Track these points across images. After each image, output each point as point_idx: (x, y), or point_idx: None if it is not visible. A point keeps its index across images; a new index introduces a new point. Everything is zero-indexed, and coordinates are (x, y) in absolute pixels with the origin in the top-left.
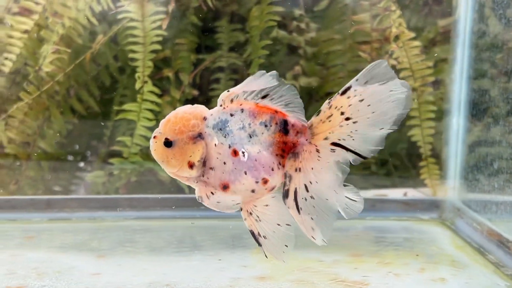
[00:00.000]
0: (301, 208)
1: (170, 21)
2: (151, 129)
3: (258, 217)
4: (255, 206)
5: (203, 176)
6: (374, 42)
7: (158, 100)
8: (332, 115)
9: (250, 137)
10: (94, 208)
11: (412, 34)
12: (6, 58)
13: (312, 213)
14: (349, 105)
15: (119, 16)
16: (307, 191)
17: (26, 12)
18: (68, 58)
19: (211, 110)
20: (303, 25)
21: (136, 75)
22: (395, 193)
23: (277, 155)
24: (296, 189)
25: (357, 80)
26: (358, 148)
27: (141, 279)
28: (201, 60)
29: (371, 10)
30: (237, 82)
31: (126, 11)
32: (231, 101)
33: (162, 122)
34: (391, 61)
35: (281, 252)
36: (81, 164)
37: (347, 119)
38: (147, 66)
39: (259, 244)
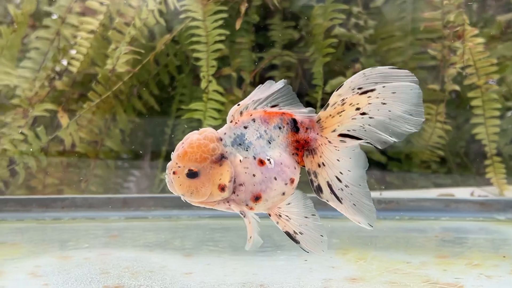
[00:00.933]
0: (341, 198)
1: (227, 19)
2: (217, 128)
3: (287, 216)
4: (279, 208)
5: (233, 193)
6: (444, 39)
7: (223, 99)
8: (344, 110)
9: (269, 143)
10: (170, 206)
11: (476, 31)
12: (73, 58)
13: (353, 200)
14: (369, 103)
15: (181, 16)
16: (340, 181)
17: (90, 12)
18: (132, 58)
19: (221, 130)
20: (361, 22)
21: (201, 74)
22: (461, 192)
23: (293, 154)
24: (328, 182)
25: (384, 87)
26: (369, 139)
27: (233, 279)
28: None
29: (442, 8)
30: (292, 80)
31: (188, 11)
32: (241, 113)
33: (177, 155)
34: (454, 58)
35: (319, 243)
36: (146, 163)
37: (363, 114)
38: (211, 66)
39: (297, 242)
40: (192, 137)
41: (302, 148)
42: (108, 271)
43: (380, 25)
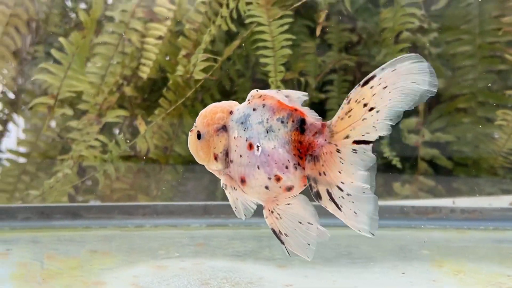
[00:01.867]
0: (341, 206)
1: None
2: None
3: (278, 215)
4: (277, 204)
5: (227, 168)
6: None
7: None
8: (351, 109)
9: (267, 132)
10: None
11: None
12: (143, 64)
13: (354, 208)
14: (373, 95)
15: (247, 21)
16: (342, 190)
17: (150, 16)
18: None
19: (239, 105)
20: (425, 25)
21: (269, 80)
22: None
23: (294, 155)
24: (328, 190)
25: (383, 69)
26: (380, 134)
27: None
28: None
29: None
30: (350, 84)
31: (253, 16)
32: (260, 97)
33: (197, 116)
34: None
35: (304, 249)
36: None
37: (371, 109)
38: (279, 71)
39: (282, 242)
40: (214, 103)
41: (306, 151)
42: (207, 282)
43: (444, 28)
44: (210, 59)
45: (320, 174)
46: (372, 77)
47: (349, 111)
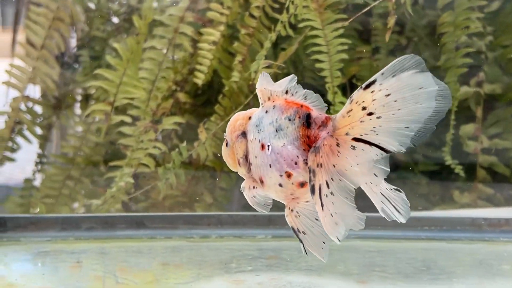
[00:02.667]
0: (323, 204)
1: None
2: None
3: (297, 213)
4: (298, 203)
5: (250, 172)
6: None
7: None
8: (352, 110)
9: (277, 131)
10: None
11: None
12: (198, 71)
13: (332, 209)
14: (373, 100)
15: (300, 25)
16: (328, 187)
17: (207, 22)
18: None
19: (257, 110)
20: (481, 28)
21: (326, 85)
22: None
23: (304, 150)
24: (320, 185)
25: (382, 74)
26: (383, 143)
27: None
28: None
29: None
30: None
31: (307, 20)
32: (268, 98)
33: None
34: None
35: (320, 249)
36: None
37: (370, 114)
38: (335, 76)
39: (300, 241)
40: (237, 113)
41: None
42: None
43: (499, 32)
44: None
45: (317, 166)
46: (373, 82)
47: (349, 111)
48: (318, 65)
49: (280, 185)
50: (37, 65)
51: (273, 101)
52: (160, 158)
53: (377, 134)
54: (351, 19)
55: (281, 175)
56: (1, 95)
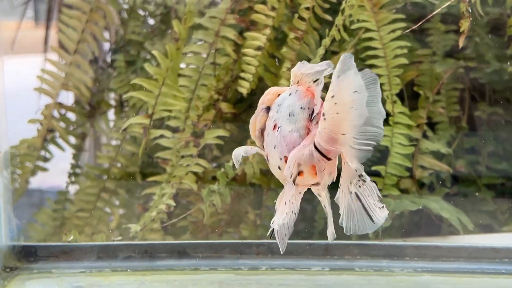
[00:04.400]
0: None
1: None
2: (407, 157)
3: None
4: (300, 193)
5: (262, 147)
6: None
7: (410, 122)
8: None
9: (289, 115)
10: (378, 256)
11: None
12: (243, 79)
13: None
14: (325, 101)
15: (353, 27)
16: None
17: (251, 25)
18: None
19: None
20: None
21: (384, 94)
22: None
23: None
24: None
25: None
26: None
27: None
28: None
29: None
30: (460, 92)
31: (361, 21)
32: (297, 82)
33: None
34: None
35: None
36: None
37: (323, 114)
38: (394, 84)
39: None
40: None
41: None
42: None
43: None
44: None
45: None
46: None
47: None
48: (374, 70)
49: (279, 167)
50: (70, 70)
51: (298, 86)
52: (201, 173)
53: (320, 137)
54: (420, 23)
55: (280, 159)
56: (33, 101)
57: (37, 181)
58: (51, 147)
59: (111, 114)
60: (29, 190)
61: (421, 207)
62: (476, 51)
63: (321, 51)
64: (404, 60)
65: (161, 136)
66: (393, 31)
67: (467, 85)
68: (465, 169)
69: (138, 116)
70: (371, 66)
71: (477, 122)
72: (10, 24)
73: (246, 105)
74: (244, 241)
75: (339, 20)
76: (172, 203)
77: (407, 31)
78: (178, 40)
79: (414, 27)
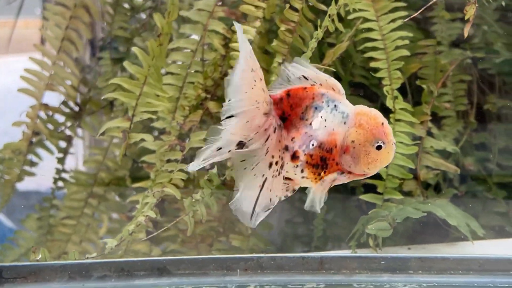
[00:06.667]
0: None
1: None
2: (410, 157)
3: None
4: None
5: None
6: None
7: (413, 119)
8: None
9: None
10: (379, 270)
11: None
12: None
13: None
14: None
15: (350, 17)
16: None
17: (241, 18)
18: None
19: None
20: None
21: (384, 89)
22: None
23: None
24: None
25: None
26: None
27: None
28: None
29: None
30: (467, 84)
31: (359, 10)
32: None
33: None
34: None
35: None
36: None
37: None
38: (395, 77)
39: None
40: None
41: None
42: None
43: None
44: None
45: None
46: None
47: None
48: (373, 64)
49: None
50: (55, 69)
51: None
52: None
53: None
54: (420, 10)
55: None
56: (18, 103)
57: (35, 183)
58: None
59: (101, 114)
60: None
61: (425, 214)
62: (484, 40)
63: (312, 44)
64: (405, 52)
65: (142, 140)
66: (393, 20)
67: (475, 76)
68: (474, 167)
69: (117, 119)
70: (370, 59)
71: (486, 116)
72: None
73: None
74: (230, 255)
75: (332, 9)
76: (153, 214)
77: (407, 19)
78: (160, 35)
79: (415, 14)
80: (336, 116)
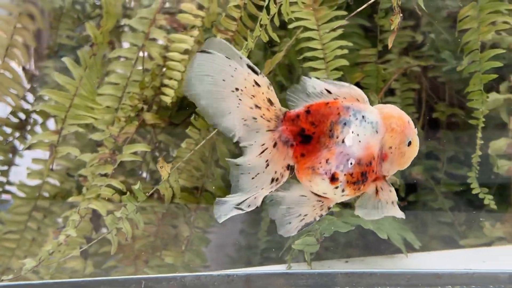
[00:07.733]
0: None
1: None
2: None
3: None
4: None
5: None
6: None
7: None
8: None
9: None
10: (305, 286)
11: None
12: (167, 86)
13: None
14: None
15: (290, 26)
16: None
17: (180, 28)
18: None
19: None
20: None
21: None
22: None
23: None
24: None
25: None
26: None
27: None
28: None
29: None
30: (416, 93)
31: (298, 19)
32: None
33: None
34: None
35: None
36: None
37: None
38: None
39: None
40: None
41: None
42: None
43: None
44: None
45: None
46: None
47: None
48: (313, 73)
49: None
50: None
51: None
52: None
53: None
54: (352, 14)
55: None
56: None
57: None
58: None
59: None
60: None
61: (353, 228)
62: (433, 48)
63: (243, 53)
64: (344, 62)
65: (68, 154)
66: (334, 29)
67: (424, 85)
68: (422, 176)
69: (45, 132)
70: (310, 69)
71: (435, 124)
72: None
73: (183, 117)
74: (152, 275)
75: (263, 18)
76: (74, 233)
77: (337, 26)
78: (93, 45)
79: (344, 20)
80: (366, 128)
